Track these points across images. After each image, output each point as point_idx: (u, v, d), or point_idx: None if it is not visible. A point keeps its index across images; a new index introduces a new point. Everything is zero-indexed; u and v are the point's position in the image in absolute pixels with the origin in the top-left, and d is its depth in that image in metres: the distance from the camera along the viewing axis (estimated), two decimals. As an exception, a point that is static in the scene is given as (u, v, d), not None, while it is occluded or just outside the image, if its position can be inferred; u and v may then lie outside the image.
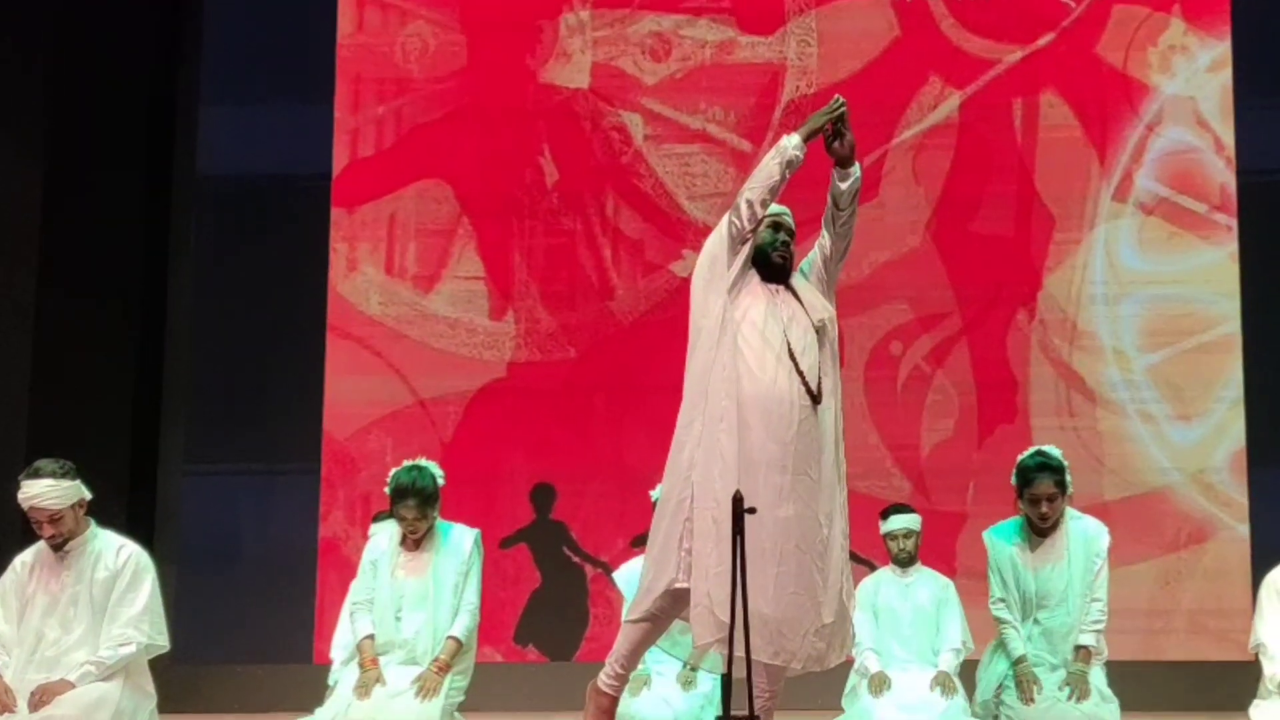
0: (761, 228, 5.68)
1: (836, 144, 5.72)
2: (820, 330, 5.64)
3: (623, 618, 7.69)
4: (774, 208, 5.77)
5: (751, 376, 5.51)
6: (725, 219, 5.66)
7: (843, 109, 5.68)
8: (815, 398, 5.53)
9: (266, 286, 10.01)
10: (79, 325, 9.48)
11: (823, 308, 5.71)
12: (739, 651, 5.10)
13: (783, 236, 5.74)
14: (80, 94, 9.59)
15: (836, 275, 5.88)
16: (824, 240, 5.84)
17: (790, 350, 5.53)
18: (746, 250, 5.62)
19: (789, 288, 5.71)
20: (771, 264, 5.68)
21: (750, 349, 5.54)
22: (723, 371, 5.52)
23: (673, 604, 5.60)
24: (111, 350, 9.78)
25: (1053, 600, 6.67)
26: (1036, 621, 6.71)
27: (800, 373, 5.52)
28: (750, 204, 5.60)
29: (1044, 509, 6.66)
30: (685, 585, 5.51)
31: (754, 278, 5.65)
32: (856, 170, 5.76)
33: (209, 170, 10.15)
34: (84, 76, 9.61)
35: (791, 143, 5.65)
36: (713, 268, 5.63)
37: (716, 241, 5.67)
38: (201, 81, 10.23)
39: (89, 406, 9.45)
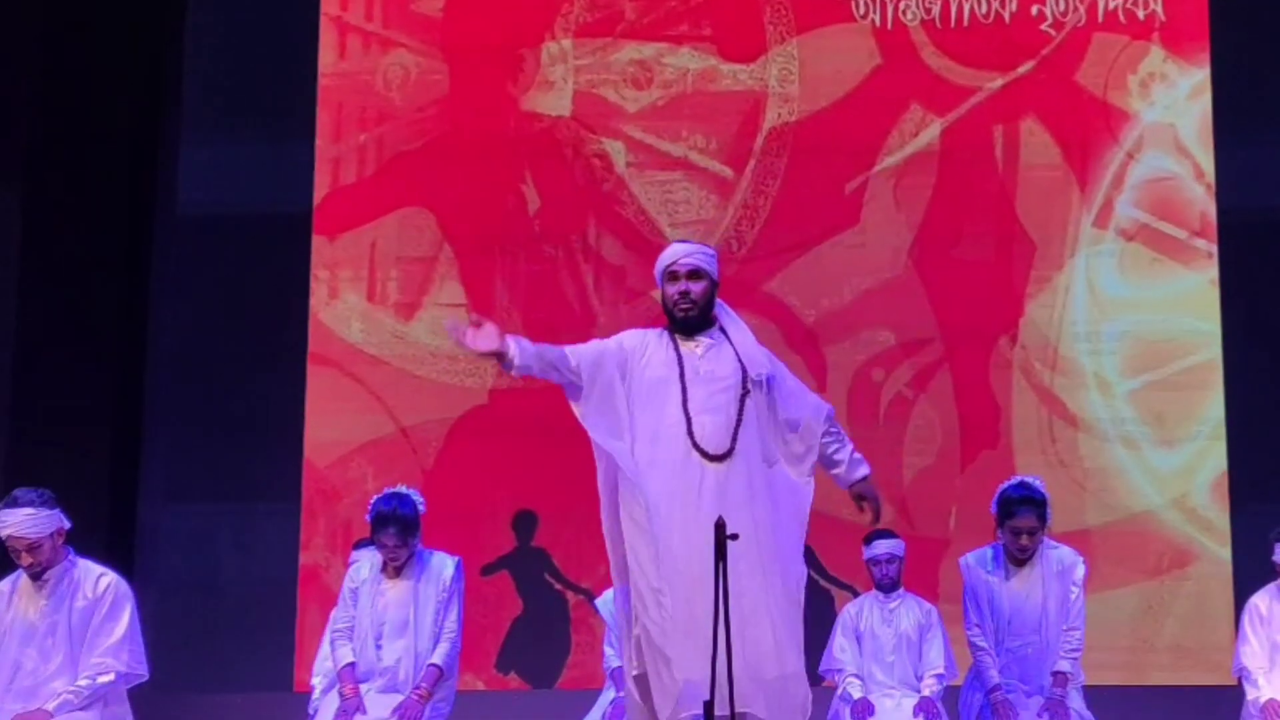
0: (662, 281, 5.65)
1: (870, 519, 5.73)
2: (752, 384, 5.54)
3: (604, 646, 7.73)
4: (669, 253, 5.71)
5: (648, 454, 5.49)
6: None
7: None
8: (709, 455, 5.44)
9: (247, 314, 9.99)
10: (60, 348, 9.47)
11: (759, 365, 5.59)
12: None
13: (680, 286, 5.64)
14: (61, 129, 9.58)
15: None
16: (805, 435, 5.63)
17: (686, 410, 5.46)
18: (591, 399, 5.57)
19: (721, 335, 5.62)
20: (677, 319, 5.63)
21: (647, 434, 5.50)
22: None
23: (643, 691, 5.52)
24: (91, 379, 9.75)
25: (1026, 629, 6.68)
26: (1008, 650, 6.71)
27: (690, 433, 5.45)
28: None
29: (1024, 541, 6.67)
30: (640, 670, 5.47)
31: (654, 350, 5.59)
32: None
33: (190, 204, 10.11)
34: (65, 113, 9.60)
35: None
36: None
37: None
38: (183, 116, 10.20)
39: (69, 435, 9.42)
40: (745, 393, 5.54)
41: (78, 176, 9.69)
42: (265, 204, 10.08)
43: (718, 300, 5.76)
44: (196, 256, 10.13)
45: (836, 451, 5.65)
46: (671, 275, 5.67)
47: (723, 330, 5.68)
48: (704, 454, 5.46)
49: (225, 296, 10.04)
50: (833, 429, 5.68)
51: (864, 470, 5.65)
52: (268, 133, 10.13)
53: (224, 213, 10.08)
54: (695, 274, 5.64)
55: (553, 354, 5.55)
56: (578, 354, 5.58)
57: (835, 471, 5.65)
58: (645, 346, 5.64)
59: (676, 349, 5.60)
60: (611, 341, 5.68)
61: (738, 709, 5.23)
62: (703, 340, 5.62)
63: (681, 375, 5.53)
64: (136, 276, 10.14)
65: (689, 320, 5.62)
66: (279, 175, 10.10)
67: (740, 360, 5.60)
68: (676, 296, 5.63)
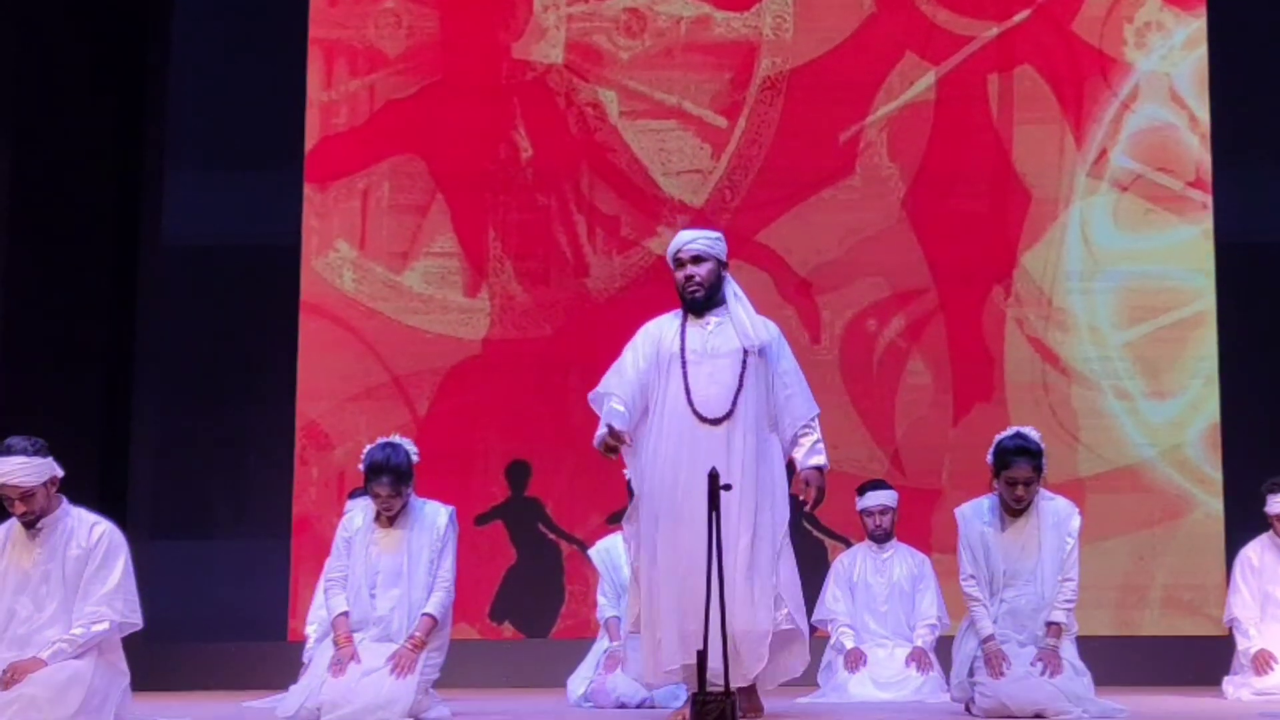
0: (672, 267, 6.20)
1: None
2: (750, 352, 6.08)
3: (598, 595, 7.76)
4: (675, 241, 6.24)
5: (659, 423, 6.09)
6: None
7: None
8: (705, 419, 5.98)
9: (240, 265, 9.96)
10: (51, 296, 9.46)
11: (756, 336, 6.13)
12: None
13: (686, 271, 6.15)
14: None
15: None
16: (777, 394, 6.15)
17: (686, 383, 6.02)
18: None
19: (728, 313, 6.15)
20: (686, 301, 6.16)
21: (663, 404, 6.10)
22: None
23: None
24: (83, 326, 9.73)
25: (1021, 579, 6.68)
26: (1003, 600, 6.72)
27: (691, 402, 6.00)
28: None
29: (1019, 491, 6.67)
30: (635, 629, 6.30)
31: (666, 332, 6.15)
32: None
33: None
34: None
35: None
36: None
37: None
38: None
39: (62, 381, 9.40)
40: (745, 361, 6.06)
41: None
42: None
43: (728, 278, 6.26)
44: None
45: (804, 436, 6.15)
46: (678, 262, 6.19)
47: (729, 309, 6.19)
48: (701, 418, 6.01)
49: (219, 252, 10.01)
50: (811, 425, 6.18)
51: (819, 459, 6.12)
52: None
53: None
54: (698, 259, 6.16)
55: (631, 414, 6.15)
56: (630, 399, 6.16)
57: (795, 452, 6.14)
58: (659, 333, 6.20)
59: (683, 328, 6.12)
60: (632, 355, 6.24)
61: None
62: (711, 319, 6.15)
63: (684, 351, 6.09)
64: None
65: (696, 301, 6.15)
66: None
67: (741, 333, 6.12)
68: (683, 280, 6.16)
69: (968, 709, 6.71)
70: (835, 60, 9.96)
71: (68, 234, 9.65)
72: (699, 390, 6.04)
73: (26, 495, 6.06)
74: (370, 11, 10.13)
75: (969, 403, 9.63)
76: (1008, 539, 6.74)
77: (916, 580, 8.01)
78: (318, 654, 6.91)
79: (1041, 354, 9.68)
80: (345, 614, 6.74)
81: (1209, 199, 9.74)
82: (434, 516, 6.83)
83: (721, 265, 6.22)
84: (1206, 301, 9.67)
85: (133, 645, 6.40)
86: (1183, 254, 9.73)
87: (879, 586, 7.99)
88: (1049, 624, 6.62)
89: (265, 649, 9.21)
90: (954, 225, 9.81)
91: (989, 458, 6.76)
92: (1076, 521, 6.76)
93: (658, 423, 6.12)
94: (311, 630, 7.52)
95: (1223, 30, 9.86)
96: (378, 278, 9.92)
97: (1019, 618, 6.70)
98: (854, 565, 8.08)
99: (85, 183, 9.83)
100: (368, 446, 6.87)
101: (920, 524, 9.08)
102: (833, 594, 8.01)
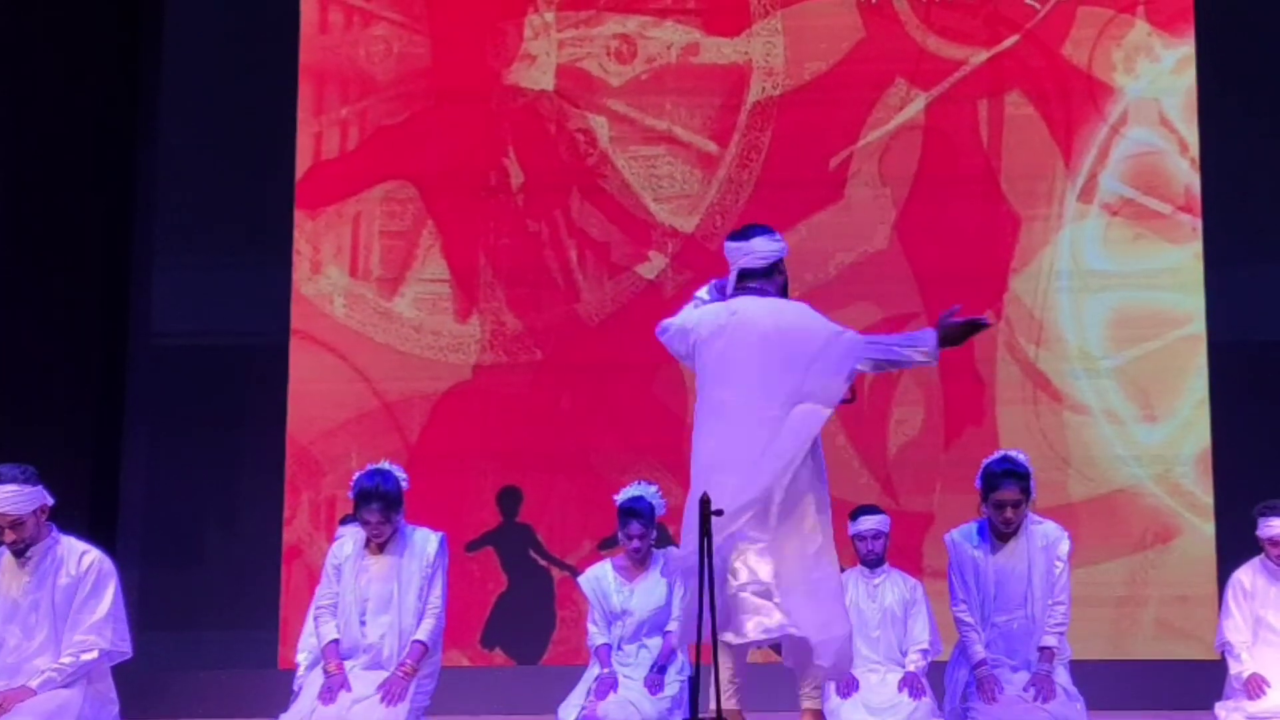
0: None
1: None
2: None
3: (588, 624, 7.74)
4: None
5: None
6: None
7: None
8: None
9: (230, 293, 9.97)
10: (40, 335, 9.47)
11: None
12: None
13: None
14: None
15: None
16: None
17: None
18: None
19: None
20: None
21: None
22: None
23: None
24: (74, 356, 9.74)
25: (1011, 603, 6.69)
26: (994, 625, 6.72)
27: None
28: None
29: (1008, 514, 6.67)
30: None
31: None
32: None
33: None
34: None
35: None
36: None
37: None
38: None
39: (55, 402, 9.41)
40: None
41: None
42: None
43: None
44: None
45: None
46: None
47: None
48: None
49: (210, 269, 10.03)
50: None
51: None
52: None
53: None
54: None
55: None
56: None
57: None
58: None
59: None
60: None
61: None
62: None
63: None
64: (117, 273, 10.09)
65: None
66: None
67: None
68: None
69: (960, 734, 6.70)
70: (825, 85, 9.98)
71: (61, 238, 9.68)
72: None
73: (16, 524, 6.06)
74: (361, 38, 10.16)
75: (960, 426, 9.64)
76: (998, 562, 6.75)
77: (909, 605, 7.99)
78: (308, 682, 6.89)
79: (1032, 378, 9.69)
80: (335, 641, 6.73)
81: (1198, 223, 9.75)
82: (424, 543, 6.83)
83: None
84: (1197, 324, 9.68)
85: (122, 673, 6.38)
86: (1173, 277, 9.75)
87: (871, 612, 7.96)
88: (1041, 648, 6.62)
89: (255, 677, 9.18)
90: (944, 250, 9.82)
91: (977, 482, 6.77)
92: (1066, 545, 6.76)
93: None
94: (302, 658, 7.49)
95: (1211, 55, 9.89)
96: (368, 304, 9.92)
97: (1011, 642, 6.70)
98: (845, 590, 8.05)
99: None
100: (357, 473, 6.87)
101: (912, 548, 9.07)
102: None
